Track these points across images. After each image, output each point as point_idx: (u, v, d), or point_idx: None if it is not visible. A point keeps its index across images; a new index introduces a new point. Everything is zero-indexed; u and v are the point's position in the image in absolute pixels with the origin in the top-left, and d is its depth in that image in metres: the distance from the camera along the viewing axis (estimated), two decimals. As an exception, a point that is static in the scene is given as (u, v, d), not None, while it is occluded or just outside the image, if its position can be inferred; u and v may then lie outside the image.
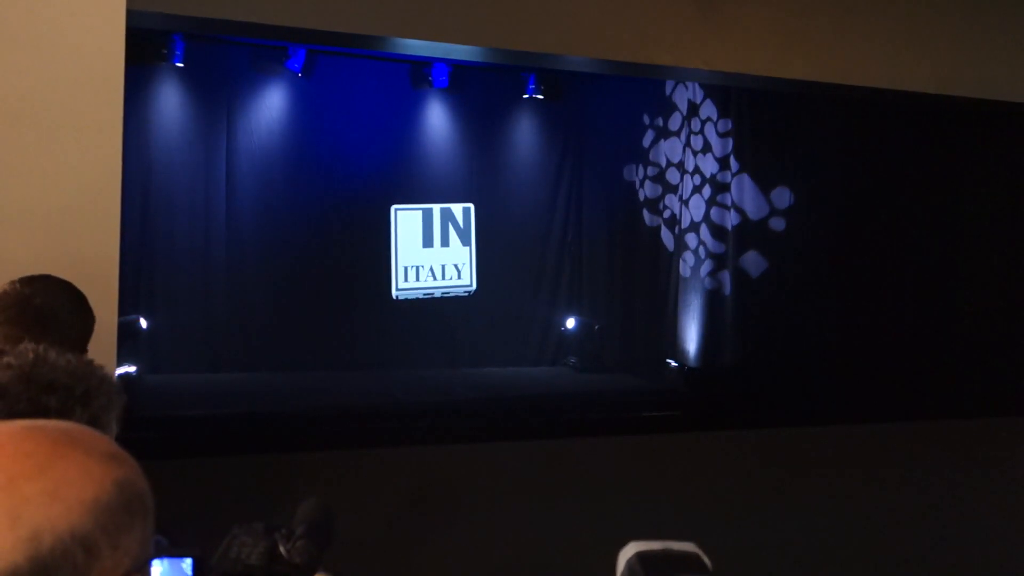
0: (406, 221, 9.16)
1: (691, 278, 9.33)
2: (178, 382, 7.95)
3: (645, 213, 9.78)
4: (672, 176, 9.53)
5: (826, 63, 7.18)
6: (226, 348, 8.62)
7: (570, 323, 9.92)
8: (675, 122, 9.50)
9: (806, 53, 7.11)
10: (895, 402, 8.45)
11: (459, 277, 9.40)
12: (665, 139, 9.57)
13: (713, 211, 9.22)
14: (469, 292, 9.45)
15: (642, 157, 9.76)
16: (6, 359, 1.22)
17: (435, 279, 9.32)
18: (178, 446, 5.96)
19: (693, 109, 9.32)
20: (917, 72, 7.50)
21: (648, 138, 9.75)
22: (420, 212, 9.18)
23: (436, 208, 9.28)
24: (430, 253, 9.29)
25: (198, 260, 8.61)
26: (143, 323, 8.17)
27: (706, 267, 9.26)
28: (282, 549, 1.20)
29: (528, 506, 5.56)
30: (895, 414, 8.17)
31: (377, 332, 9.00)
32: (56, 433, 0.81)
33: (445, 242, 9.32)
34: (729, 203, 9.16)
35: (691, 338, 9.32)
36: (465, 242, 9.39)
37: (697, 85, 9.20)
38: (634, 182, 9.85)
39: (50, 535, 0.74)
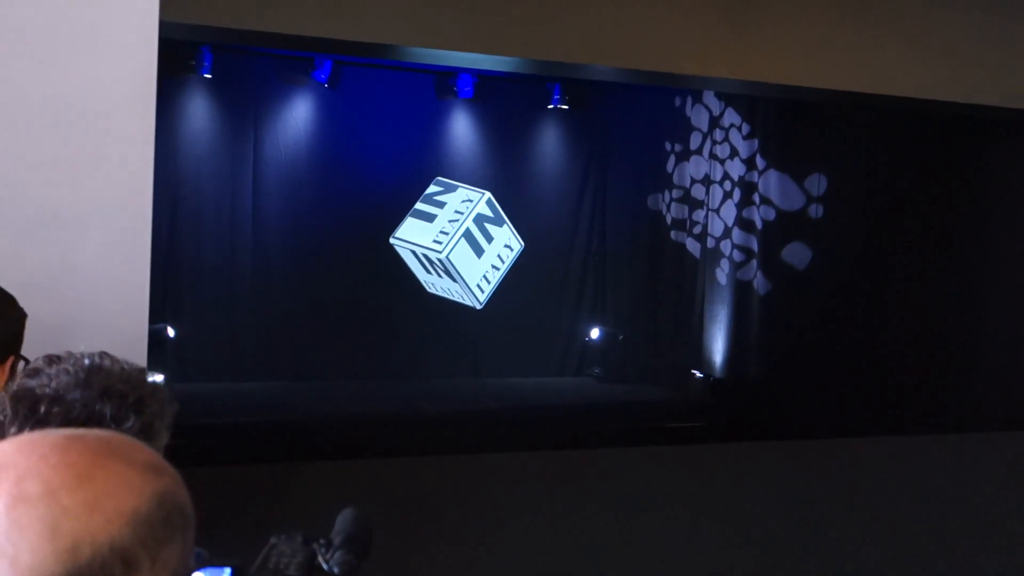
0: (460, 254, 9.22)
1: (727, 285, 9.31)
2: (204, 391, 7.99)
3: (671, 223, 9.79)
4: (698, 192, 9.56)
5: (853, 72, 7.13)
6: (251, 357, 8.67)
7: (594, 333, 9.89)
8: (696, 139, 9.54)
9: (833, 62, 7.07)
10: (926, 413, 8.36)
11: (512, 250, 9.51)
12: (687, 160, 9.60)
13: (745, 212, 9.24)
14: (517, 261, 9.64)
15: (666, 179, 9.79)
16: (62, 365, 1.23)
17: (499, 269, 9.41)
18: (202, 453, 5.99)
19: (714, 121, 9.35)
20: (944, 82, 7.44)
21: (672, 159, 9.78)
22: (464, 239, 9.24)
23: (471, 223, 9.31)
24: (486, 257, 9.36)
25: (224, 270, 8.67)
26: (170, 332, 8.23)
27: (743, 271, 9.24)
28: (321, 560, 1.19)
29: (552, 516, 5.54)
30: (926, 425, 8.08)
31: (401, 342, 9.02)
32: (97, 443, 0.80)
33: (489, 238, 9.37)
34: (759, 201, 9.17)
35: (717, 348, 9.27)
36: (501, 223, 9.44)
37: (716, 99, 9.24)
38: (660, 201, 9.91)
39: (89, 547, 0.73)
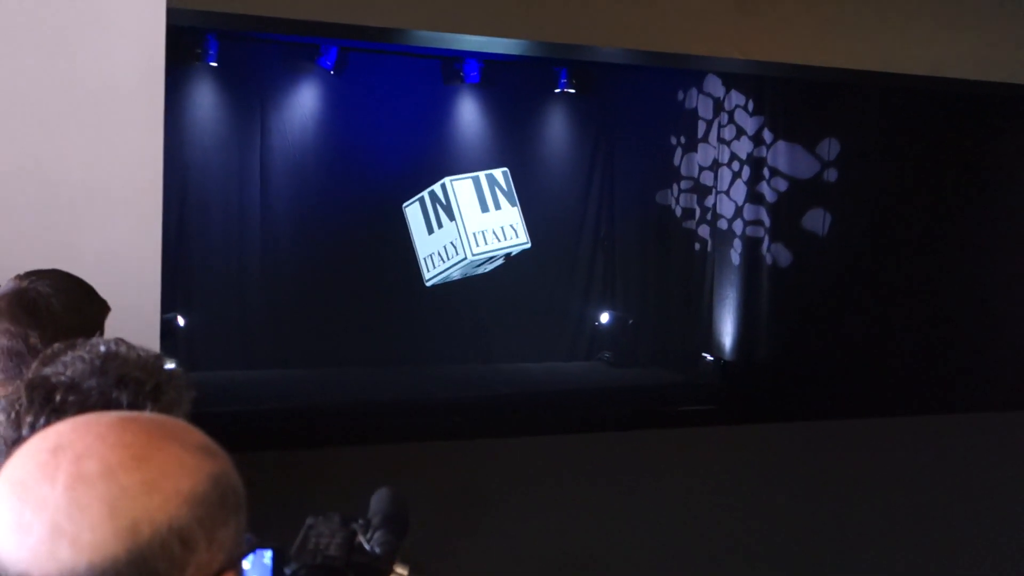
0: (465, 191, 9.07)
1: (737, 266, 9.27)
2: (214, 379, 8.00)
3: (681, 211, 9.75)
4: (706, 178, 9.53)
5: (864, 50, 7.08)
6: (261, 345, 8.67)
7: (604, 318, 9.88)
8: (702, 128, 9.52)
9: (843, 40, 7.02)
10: (935, 394, 8.33)
11: (516, 236, 9.30)
12: (695, 150, 9.60)
13: (756, 188, 9.22)
14: (526, 249, 9.36)
15: (674, 172, 9.76)
16: (78, 352, 1.21)
17: (499, 240, 9.19)
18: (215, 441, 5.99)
19: (719, 106, 9.31)
20: (956, 59, 7.38)
21: (679, 151, 9.74)
22: (472, 182, 9.09)
23: (483, 175, 9.19)
24: (490, 218, 9.21)
25: (233, 258, 8.67)
26: (180, 321, 8.24)
27: (755, 251, 9.21)
28: (361, 539, 1.19)
29: (563, 500, 5.55)
30: (939, 405, 8.05)
31: (412, 328, 9.01)
32: (152, 425, 0.81)
33: (497, 205, 9.24)
34: (769, 175, 9.12)
35: (727, 331, 9.25)
36: (513, 203, 9.31)
37: (719, 84, 9.20)
38: (669, 195, 9.87)
39: (148, 526, 0.73)
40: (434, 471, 5.89)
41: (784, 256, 9.16)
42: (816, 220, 9.11)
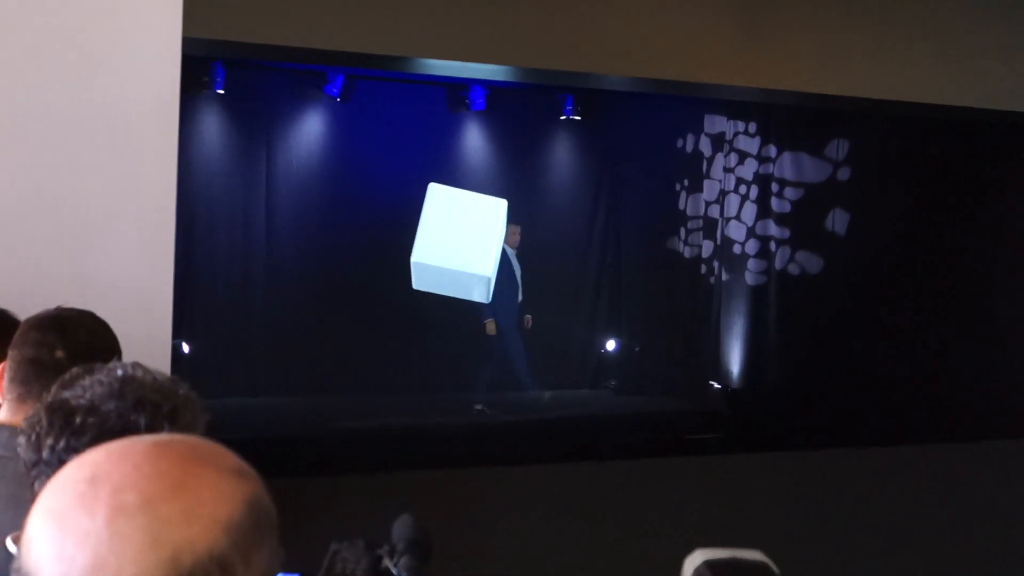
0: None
1: (745, 291, 9.27)
2: (218, 406, 7.95)
3: (689, 248, 9.77)
4: (713, 211, 9.56)
5: (870, 79, 7.12)
6: (265, 372, 8.66)
7: (610, 345, 9.85)
8: (705, 166, 9.55)
9: (849, 69, 7.07)
10: (952, 421, 8.27)
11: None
12: (700, 191, 9.65)
13: (766, 205, 9.24)
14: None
15: (679, 216, 9.79)
16: (96, 376, 1.23)
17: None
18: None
19: (719, 140, 9.36)
20: (959, 87, 7.42)
21: (683, 194, 9.78)
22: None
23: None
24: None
25: (238, 285, 8.68)
26: (185, 347, 8.23)
27: (764, 274, 9.21)
28: (388, 564, 1.19)
29: (569, 528, 5.50)
30: (952, 434, 7.99)
31: (416, 356, 8.99)
32: (186, 450, 0.82)
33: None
34: (777, 190, 9.13)
35: (734, 359, 9.23)
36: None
37: (722, 119, 9.24)
38: (677, 240, 9.86)
39: (190, 556, 0.74)
40: (438, 499, 5.85)
41: (809, 263, 9.15)
42: (834, 223, 9.13)
